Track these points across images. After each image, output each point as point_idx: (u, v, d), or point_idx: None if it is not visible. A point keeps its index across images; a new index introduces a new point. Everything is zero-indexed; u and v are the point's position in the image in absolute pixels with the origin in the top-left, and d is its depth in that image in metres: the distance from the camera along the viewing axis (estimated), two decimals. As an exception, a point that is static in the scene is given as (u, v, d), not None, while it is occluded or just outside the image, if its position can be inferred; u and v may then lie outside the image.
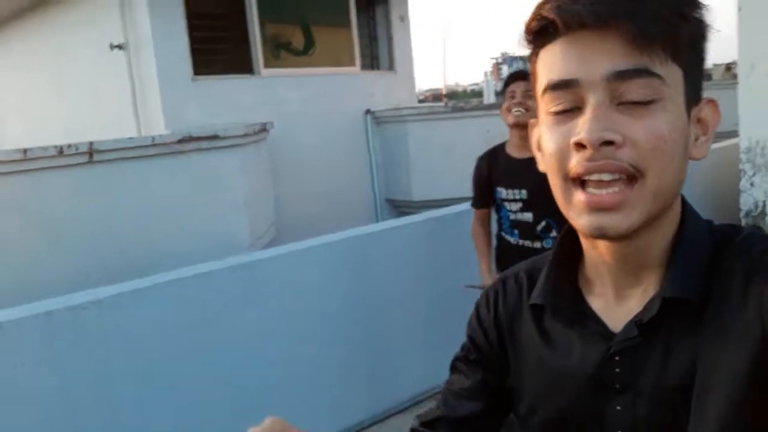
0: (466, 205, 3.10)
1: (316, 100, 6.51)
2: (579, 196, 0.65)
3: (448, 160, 6.27)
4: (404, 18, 7.59)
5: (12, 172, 3.57)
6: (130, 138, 4.39)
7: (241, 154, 4.62)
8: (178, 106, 5.53)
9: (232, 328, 2.64)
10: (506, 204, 2.72)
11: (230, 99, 5.86)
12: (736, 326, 0.65)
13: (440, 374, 1.03)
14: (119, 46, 5.63)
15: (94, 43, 6.02)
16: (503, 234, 2.79)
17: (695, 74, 0.67)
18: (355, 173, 6.93)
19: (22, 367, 2.17)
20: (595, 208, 0.64)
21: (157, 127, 5.52)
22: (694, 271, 0.69)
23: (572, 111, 0.65)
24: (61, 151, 3.73)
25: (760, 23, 4.18)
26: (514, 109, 2.63)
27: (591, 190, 0.64)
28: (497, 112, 2.88)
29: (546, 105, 0.68)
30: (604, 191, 0.63)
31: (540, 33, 0.67)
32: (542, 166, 0.73)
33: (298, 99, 6.33)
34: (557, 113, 0.66)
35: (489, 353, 0.86)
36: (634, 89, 0.62)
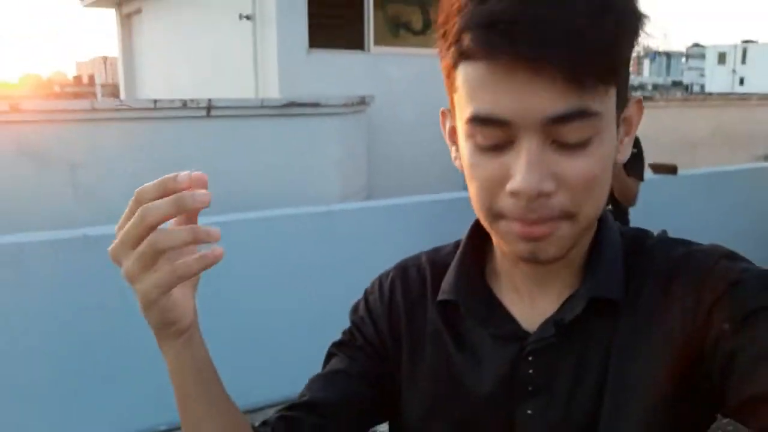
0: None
1: (419, 79, 6.89)
2: (511, 226, 0.62)
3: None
4: None
5: (144, 117, 4.26)
6: (244, 99, 5.01)
7: (339, 121, 5.11)
8: (293, 75, 6.12)
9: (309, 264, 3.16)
10: None
11: (341, 72, 6.37)
12: (654, 325, 0.65)
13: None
14: (247, 17, 6.29)
15: (225, 13, 6.74)
16: None
17: (625, 82, 0.64)
18: (446, 151, 7.25)
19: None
20: (527, 238, 0.62)
21: (273, 93, 6.14)
22: (617, 272, 0.68)
23: (502, 146, 0.60)
24: (184, 104, 4.38)
25: None
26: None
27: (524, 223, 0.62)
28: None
29: (469, 131, 0.62)
30: (536, 226, 0.61)
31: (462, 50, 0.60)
32: (457, 162, 0.69)
33: (403, 77, 6.74)
34: (481, 141, 0.61)
35: (376, 344, 0.79)
36: (571, 132, 0.58)
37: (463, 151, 0.65)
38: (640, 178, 3.08)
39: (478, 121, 0.60)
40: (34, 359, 2.76)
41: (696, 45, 72.76)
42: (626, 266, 0.69)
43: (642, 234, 0.73)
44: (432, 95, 6.84)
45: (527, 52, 0.54)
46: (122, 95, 10.45)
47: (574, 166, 0.60)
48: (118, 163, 4.17)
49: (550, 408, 0.67)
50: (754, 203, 5.25)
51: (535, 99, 0.57)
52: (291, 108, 4.78)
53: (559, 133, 0.58)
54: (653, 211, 3.37)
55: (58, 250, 2.80)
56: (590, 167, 0.60)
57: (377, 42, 6.71)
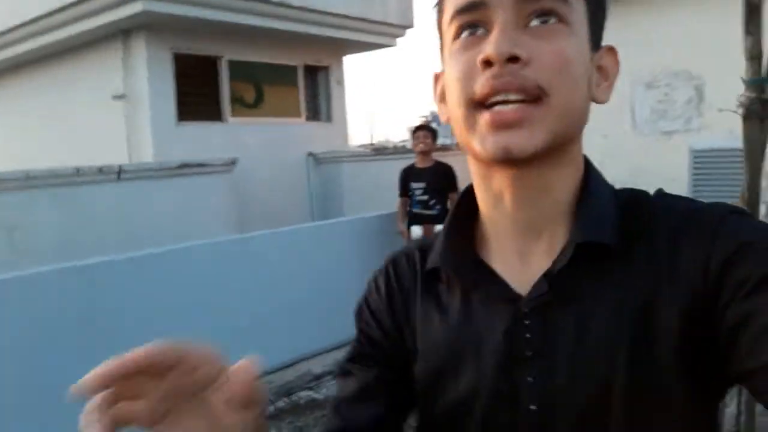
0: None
1: (270, 142, 8.25)
2: (484, 116, 0.62)
3: (373, 190, 8.07)
4: (340, 81, 9.51)
5: (67, 183, 5.14)
6: (145, 162, 6.01)
7: (221, 177, 6.30)
8: (166, 144, 7.16)
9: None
10: (415, 191, 5.28)
11: (204, 140, 7.52)
12: (663, 281, 0.62)
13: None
14: (120, 96, 7.24)
15: (94, 93, 7.60)
16: (412, 208, 5.36)
17: (597, 17, 0.67)
18: (298, 200, 8.63)
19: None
20: (500, 125, 0.61)
21: (146, 160, 7.11)
22: (607, 216, 0.66)
23: (477, 34, 0.63)
24: (100, 170, 5.32)
25: None
26: (420, 145, 5.31)
27: (496, 108, 0.61)
28: (406, 156, 5.31)
29: (451, 32, 0.65)
30: (508, 107, 0.61)
31: None
32: (444, 116, 0.71)
33: (255, 142, 8.04)
34: (462, 36, 0.64)
35: (386, 344, 0.77)
36: (541, 6, 0.61)
37: (448, 73, 0.67)
38: (457, 190, 5.03)
39: (459, 12, 0.63)
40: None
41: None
42: (625, 217, 0.66)
43: (638, 191, 0.70)
44: (279, 156, 8.30)
45: None
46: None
47: (546, 45, 0.61)
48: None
49: (553, 373, 0.63)
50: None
51: None
52: (184, 168, 5.89)
53: (531, 8, 0.61)
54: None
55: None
56: (560, 48, 0.61)
57: (233, 113, 8.00)
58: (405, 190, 5.40)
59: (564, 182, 0.68)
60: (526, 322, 0.66)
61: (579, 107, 0.64)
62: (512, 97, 0.61)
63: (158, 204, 5.68)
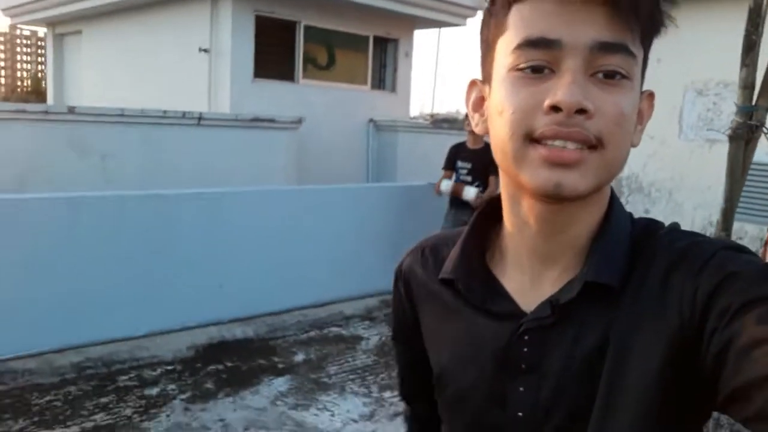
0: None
1: (335, 106, 8.89)
2: (539, 150, 0.63)
3: (425, 159, 8.62)
4: (408, 54, 10.02)
5: (154, 123, 5.93)
6: (223, 113, 6.76)
7: (287, 134, 6.99)
8: (242, 98, 7.89)
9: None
10: (460, 169, 5.52)
11: (277, 97, 8.22)
12: (653, 315, 0.65)
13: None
14: (206, 50, 8.01)
15: (180, 44, 8.40)
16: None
17: (646, 64, 0.68)
18: (356, 163, 9.28)
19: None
20: (555, 162, 0.63)
21: (224, 111, 7.86)
22: (617, 258, 0.69)
23: (542, 72, 0.63)
24: (183, 115, 6.08)
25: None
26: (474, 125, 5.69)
27: (553, 144, 0.63)
28: (462, 132, 5.57)
29: (514, 61, 0.65)
30: (568, 147, 0.62)
31: None
32: (479, 127, 0.74)
33: (322, 104, 8.69)
34: (526, 71, 0.64)
35: (410, 326, 0.87)
36: (612, 63, 0.62)
37: (499, 97, 0.66)
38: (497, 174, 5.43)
39: (527, 44, 0.63)
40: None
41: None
42: (633, 253, 0.69)
43: (653, 224, 0.73)
44: (343, 119, 8.97)
45: None
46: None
47: (609, 99, 0.62)
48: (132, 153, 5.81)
49: (542, 387, 0.69)
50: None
51: (586, 25, 0.61)
52: (255, 122, 6.61)
53: (601, 62, 0.62)
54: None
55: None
56: (623, 104, 0.63)
57: (305, 75, 8.67)
58: (451, 165, 5.61)
59: (588, 219, 0.71)
60: (525, 337, 0.70)
61: (625, 158, 0.66)
62: (570, 146, 0.62)
63: (230, 151, 6.42)
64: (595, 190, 0.66)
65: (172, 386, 4.03)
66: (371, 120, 9.43)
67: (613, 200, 0.73)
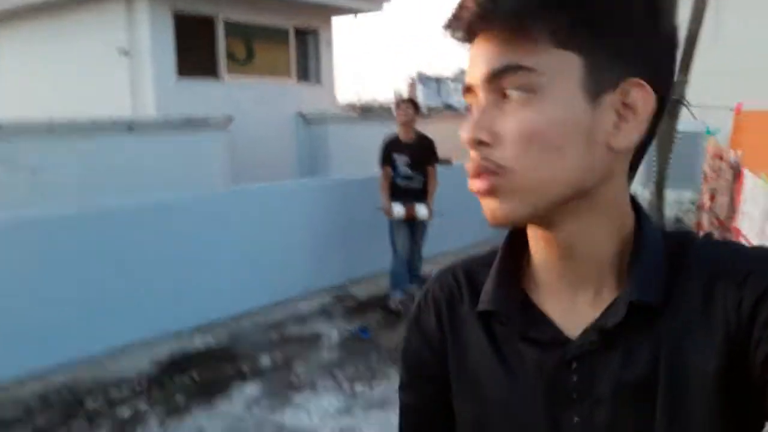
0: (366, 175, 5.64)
1: (262, 100, 8.80)
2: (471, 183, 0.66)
3: (356, 151, 8.70)
4: (329, 43, 10.02)
5: (83, 133, 5.72)
6: (152, 117, 6.58)
7: (221, 133, 6.89)
8: (166, 99, 7.69)
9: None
10: (398, 163, 5.46)
11: (202, 96, 8.05)
12: (699, 327, 0.64)
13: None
14: (126, 52, 7.72)
15: (97, 47, 8.06)
16: (396, 181, 5.52)
17: (604, 57, 0.62)
18: (288, 157, 9.24)
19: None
20: (476, 192, 0.66)
21: (149, 113, 7.64)
22: (657, 274, 0.67)
23: None
24: (113, 122, 5.89)
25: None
26: (402, 115, 5.46)
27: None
28: (391, 120, 5.57)
29: None
30: (476, 180, 0.65)
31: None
32: None
33: (249, 99, 8.59)
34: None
35: (437, 364, 0.79)
36: (505, 85, 0.62)
37: None
38: (437, 162, 5.52)
39: (464, 93, 0.68)
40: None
41: (462, 71, 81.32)
42: (669, 267, 0.67)
43: (686, 235, 0.72)
44: (270, 114, 8.89)
45: (475, 24, 0.63)
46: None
47: (510, 121, 0.62)
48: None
49: (596, 414, 0.67)
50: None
51: (481, 60, 0.63)
52: (188, 124, 6.47)
53: (500, 89, 0.63)
54: (440, 188, 5.71)
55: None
56: (524, 123, 0.62)
57: (229, 71, 8.52)
58: (388, 161, 5.50)
59: (601, 237, 0.68)
60: (573, 365, 0.68)
61: (560, 175, 0.63)
62: (476, 175, 0.65)
63: (164, 155, 6.28)
64: (534, 214, 0.65)
65: (142, 404, 3.99)
66: (299, 113, 9.40)
67: (641, 215, 0.71)
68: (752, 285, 0.62)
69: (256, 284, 5.44)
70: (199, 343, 4.90)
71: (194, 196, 5.08)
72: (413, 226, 5.59)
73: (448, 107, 12.50)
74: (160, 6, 7.70)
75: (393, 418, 3.71)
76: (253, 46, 9.09)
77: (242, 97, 8.50)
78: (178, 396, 4.10)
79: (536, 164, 0.63)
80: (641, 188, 6.52)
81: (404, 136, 5.50)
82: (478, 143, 0.63)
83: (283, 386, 4.25)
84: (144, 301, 4.70)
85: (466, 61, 0.67)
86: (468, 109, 0.67)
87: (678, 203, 6.50)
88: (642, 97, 0.63)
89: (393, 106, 5.90)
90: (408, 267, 5.67)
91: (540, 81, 0.61)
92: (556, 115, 0.62)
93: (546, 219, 0.66)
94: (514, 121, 0.62)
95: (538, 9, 0.60)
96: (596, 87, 0.62)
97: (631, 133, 0.64)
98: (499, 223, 0.66)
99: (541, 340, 0.70)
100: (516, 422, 0.72)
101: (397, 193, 5.52)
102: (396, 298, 5.61)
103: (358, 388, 4.22)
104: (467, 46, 0.66)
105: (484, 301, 0.74)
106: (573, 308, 0.70)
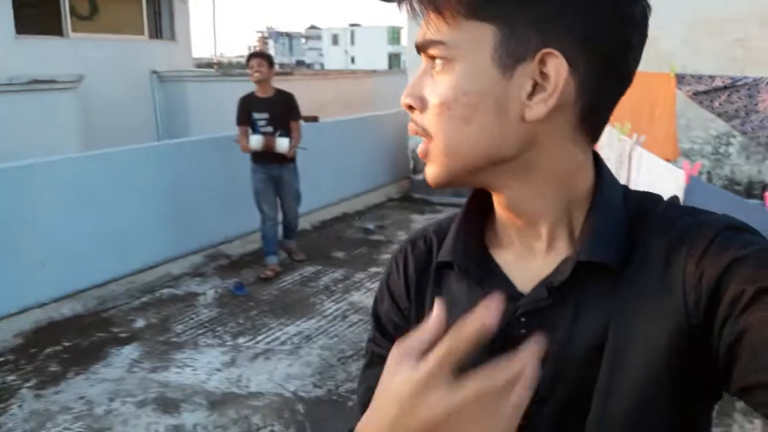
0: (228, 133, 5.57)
1: (113, 59, 8.33)
2: None
3: (216, 110, 8.53)
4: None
5: None
6: (-7, 78, 6.04)
7: (71, 94, 6.48)
8: (3, 59, 7.06)
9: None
10: (258, 122, 5.25)
11: (45, 55, 7.48)
12: (655, 296, 0.64)
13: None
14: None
15: None
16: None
17: (520, 27, 0.62)
18: (144, 118, 8.86)
19: None
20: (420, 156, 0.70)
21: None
22: (612, 235, 0.67)
23: None
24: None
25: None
26: (256, 74, 5.16)
27: None
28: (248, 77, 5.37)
29: None
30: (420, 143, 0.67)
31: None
32: None
33: (98, 58, 8.09)
34: None
35: (403, 324, 0.81)
36: (434, 54, 0.66)
37: None
38: (300, 118, 5.39)
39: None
40: None
41: (313, 27, 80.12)
42: (629, 230, 0.68)
43: (649, 199, 0.72)
44: (123, 73, 8.44)
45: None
46: None
47: (431, 89, 0.67)
48: None
49: (541, 369, 0.62)
50: (364, 139, 8.26)
51: (418, 31, 0.68)
52: (33, 84, 6.03)
53: (430, 56, 0.67)
54: (308, 145, 5.77)
55: None
56: (438, 91, 0.65)
57: (74, 29, 7.95)
58: (245, 119, 5.24)
59: (541, 197, 0.69)
60: (522, 319, 0.69)
61: (471, 141, 0.65)
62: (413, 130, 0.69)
63: (10, 118, 5.82)
64: (453, 177, 0.69)
65: (12, 377, 3.82)
66: (154, 71, 9.00)
67: (602, 173, 0.71)
68: (712, 260, 0.61)
69: (121, 249, 5.28)
70: (66, 311, 4.72)
71: (52, 161, 4.78)
72: (278, 182, 5.38)
73: (301, 64, 12.45)
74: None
75: (279, 365, 3.89)
76: (101, 1, 8.52)
77: (91, 55, 8.00)
78: (51, 366, 3.96)
79: (448, 132, 0.66)
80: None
81: (262, 93, 5.23)
82: (409, 108, 0.68)
83: (163, 346, 4.23)
84: (2, 272, 4.43)
85: None
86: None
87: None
88: (554, 67, 0.63)
89: (246, 62, 5.37)
90: (283, 225, 5.63)
91: (452, 53, 0.64)
92: (466, 86, 0.64)
93: (483, 182, 0.70)
94: (432, 89, 0.66)
95: None
96: (509, 58, 0.63)
97: (540, 104, 0.64)
98: (431, 183, 0.70)
99: (495, 293, 0.70)
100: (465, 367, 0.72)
101: (258, 153, 5.25)
102: (270, 264, 5.54)
103: (240, 340, 4.31)
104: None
105: (444, 253, 0.77)
106: (528, 266, 0.72)
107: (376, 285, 5.27)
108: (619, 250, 0.67)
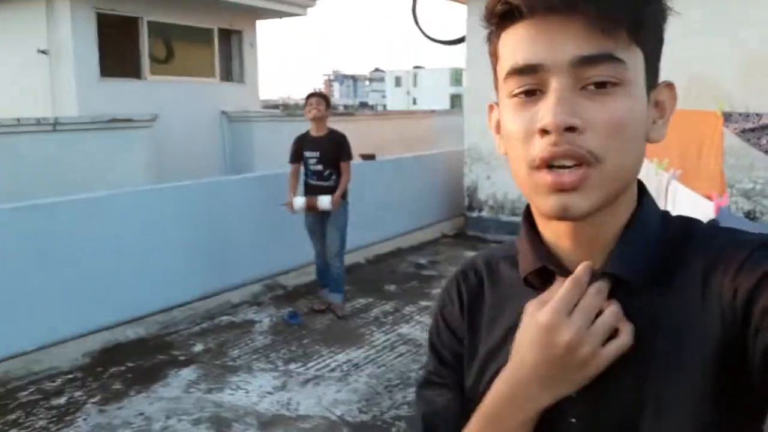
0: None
1: (186, 100, 8.86)
2: (545, 177, 0.65)
3: (279, 148, 8.89)
4: (253, 44, 10.16)
5: (8, 132, 5.67)
6: (78, 116, 6.57)
7: (146, 132, 6.96)
8: (89, 99, 7.65)
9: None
10: (309, 160, 5.36)
11: (125, 95, 8.05)
12: (695, 316, 0.65)
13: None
14: (44, 51, 7.63)
15: (18, 47, 7.92)
16: (307, 179, 5.40)
17: (655, 57, 0.68)
18: (213, 156, 9.32)
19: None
20: (559, 188, 0.64)
21: (71, 113, 7.58)
22: (644, 255, 0.69)
23: (535, 95, 0.65)
24: (38, 121, 5.88)
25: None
26: (313, 111, 5.29)
27: (555, 171, 0.64)
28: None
29: (509, 88, 0.68)
30: (566, 171, 0.64)
31: (503, 16, 0.67)
32: (501, 148, 0.74)
33: (173, 99, 8.63)
34: (520, 96, 0.66)
35: (462, 351, 0.83)
36: (598, 74, 0.63)
37: (505, 123, 0.70)
38: (350, 159, 5.36)
39: (514, 72, 0.66)
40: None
41: (377, 70, 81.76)
42: (667, 250, 0.70)
43: (689, 221, 0.74)
44: (195, 113, 8.96)
45: (558, 3, 0.62)
46: None
47: (600, 110, 0.63)
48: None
49: (594, 390, 0.68)
50: (420, 177, 8.43)
51: (565, 42, 0.62)
52: (112, 123, 6.51)
53: (587, 76, 0.63)
54: (365, 181, 6.00)
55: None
56: (616, 112, 0.63)
57: (153, 72, 8.55)
58: (298, 157, 5.36)
59: (616, 221, 0.70)
60: None
61: (633, 163, 0.67)
62: (569, 163, 0.63)
63: (90, 154, 6.30)
64: (604, 204, 0.67)
65: (79, 393, 4.09)
66: (223, 112, 9.50)
67: (644, 198, 0.73)
68: (746, 276, 0.63)
69: (185, 277, 5.57)
70: (131, 334, 5.01)
71: (123, 192, 5.16)
72: (324, 223, 5.38)
73: (364, 105, 12.81)
74: (82, 6, 7.65)
75: (327, 390, 4.03)
76: (176, 47, 9.14)
77: (166, 96, 8.53)
78: (115, 384, 4.21)
79: (622, 153, 0.65)
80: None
81: (315, 132, 5.32)
82: (568, 129, 0.63)
83: (219, 369, 4.43)
84: (74, 296, 4.76)
85: (524, 38, 0.66)
86: (530, 92, 0.66)
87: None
88: (669, 96, 0.72)
89: (305, 102, 5.45)
90: (324, 264, 5.57)
91: (628, 75, 0.64)
92: (636, 109, 0.66)
93: (590, 215, 0.68)
94: (603, 110, 0.63)
95: (617, 8, 0.62)
96: (650, 83, 0.68)
97: (662, 128, 0.70)
98: (572, 217, 0.66)
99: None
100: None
101: (308, 192, 5.35)
102: (324, 297, 5.61)
103: (292, 366, 4.46)
104: (506, 23, 0.67)
105: (532, 262, 0.75)
106: None
107: (425, 318, 5.37)
108: (646, 270, 0.69)
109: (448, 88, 60.54)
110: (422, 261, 7.29)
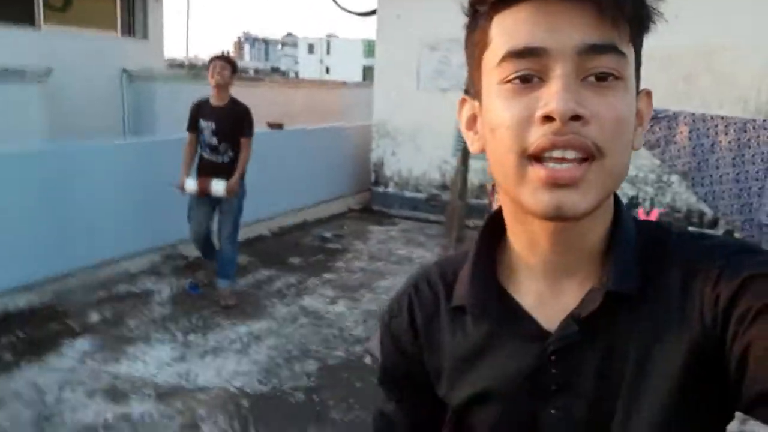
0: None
1: (85, 54, 8.39)
2: (538, 171, 0.60)
3: (184, 111, 8.63)
4: (158, -1, 9.72)
5: None
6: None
7: (36, 86, 6.55)
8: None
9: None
10: (204, 130, 4.77)
11: (15, 45, 7.51)
12: (674, 322, 0.65)
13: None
14: None
15: None
16: (201, 151, 4.86)
17: (639, 62, 0.66)
18: (112, 115, 8.91)
19: None
20: (554, 183, 0.60)
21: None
22: (631, 266, 0.68)
23: (531, 82, 0.61)
24: None
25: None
26: (216, 77, 4.68)
27: (550, 165, 0.60)
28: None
29: (501, 73, 0.63)
30: (564, 166, 0.60)
31: None
32: (475, 146, 0.71)
33: (71, 52, 8.14)
34: (514, 82, 0.61)
35: (409, 369, 0.82)
36: (602, 65, 0.60)
37: (492, 110, 0.64)
38: (251, 135, 4.76)
39: (513, 55, 0.61)
40: None
41: (289, 34, 79.83)
42: (643, 258, 0.68)
43: (661, 228, 0.73)
44: (93, 69, 8.48)
45: None
46: None
47: (603, 103, 0.60)
48: None
49: (575, 407, 0.67)
50: (328, 149, 8.46)
51: (571, 28, 0.59)
52: (2, 73, 6.10)
53: (590, 66, 0.60)
54: (271, 152, 5.93)
55: None
56: (617, 105, 0.61)
57: (46, 20, 8.01)
58: (194, 126, 4.87)
59: (598, 228, 0.69)
60: (553, 358, 0.68)
61: (627, 165, 0.64)
62: (570, 155, 0.60)
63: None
64: (599, 205, 0.64)
65: (-37, 363, 3.91)
66: (124, 69, 9.07)
67: (619, 204, 0.72)
68: (727, 282, 0.63)
69: (79, 244, 5.36)
70: (21, 302, 4.80)
71: (9, 152, 4.86)
72: (217, 202, 4.91)
73: (276, 70, 12.62)
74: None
75: (227, 363, 4.05)
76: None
77: (62, 48, 8.04)
78: (4, 355, 4.05)
79: (621, 151, 0.62)
80: (450, 156, 7.32)
81: (216, 101, 4.78)
82: (573, 118, 0.59)
83: (115, 340, 4.35)
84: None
85: (524, 20, 0.61)
86: (526, 79, 0.62)
87: (483, 171, 7.35)
88: (647, 104, 0.70)
89: (207, 65, 4.89)
90: (210, 244, 5.18)
91: (626, 70, 0.62)
92: (631, 107, 0.64)
93: (585, 216, 0.65)
94: (605, 103, 0.61)
95: (634, 0, 0.61)
96: (637, 84, 0.66)
97: (640, 137, 0.67)
98: (565, 214, 0.62)
99: (519, 335, 0.71)
100: (492, 419, 0.74)
101: (201, 167, 4.87)
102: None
103: (191, 337, 4.46)
104: (501, 6, 0.63)
105: (459, 297, 0.75)
106: (554, 299, 0.71)
107: (328, 290, 5.48)
108: (639, 279, 0.68)
109: (362, 59, 60.20)
110: (327, 234, 7.37)
